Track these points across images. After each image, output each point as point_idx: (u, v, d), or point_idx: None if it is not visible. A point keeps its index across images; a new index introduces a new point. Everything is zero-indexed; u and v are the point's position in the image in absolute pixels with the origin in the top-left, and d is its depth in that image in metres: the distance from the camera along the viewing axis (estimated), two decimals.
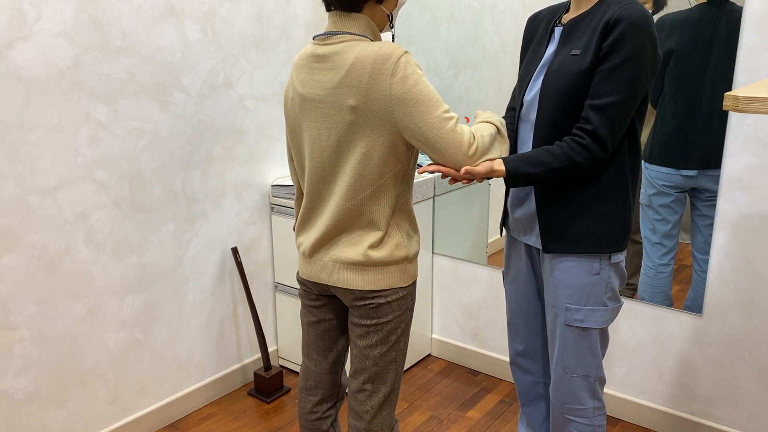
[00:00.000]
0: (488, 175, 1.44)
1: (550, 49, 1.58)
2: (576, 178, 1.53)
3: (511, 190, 1.70)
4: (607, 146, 1.45)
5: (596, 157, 1.46)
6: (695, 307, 2.20)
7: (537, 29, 1.68)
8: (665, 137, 2.13)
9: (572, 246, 1.56)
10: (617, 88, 1.43)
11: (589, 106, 1.45)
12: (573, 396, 1.65)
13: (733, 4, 1.94)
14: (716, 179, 2.08)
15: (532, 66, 1.62)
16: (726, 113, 2.03)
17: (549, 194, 1.57)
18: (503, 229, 1.80)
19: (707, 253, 2.14)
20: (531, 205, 1.63)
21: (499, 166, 1.45)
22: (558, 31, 1.58)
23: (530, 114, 1.59)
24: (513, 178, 1.46)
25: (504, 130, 1.52)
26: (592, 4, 1.52)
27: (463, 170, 1.40)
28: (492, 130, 1.47)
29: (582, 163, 1.46)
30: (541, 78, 1.56)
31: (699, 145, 2.08)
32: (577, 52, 1.48)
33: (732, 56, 1.97)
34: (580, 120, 1.48)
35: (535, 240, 1.66)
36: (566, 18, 1.59)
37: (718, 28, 1.97)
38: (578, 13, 1.54)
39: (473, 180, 1.43)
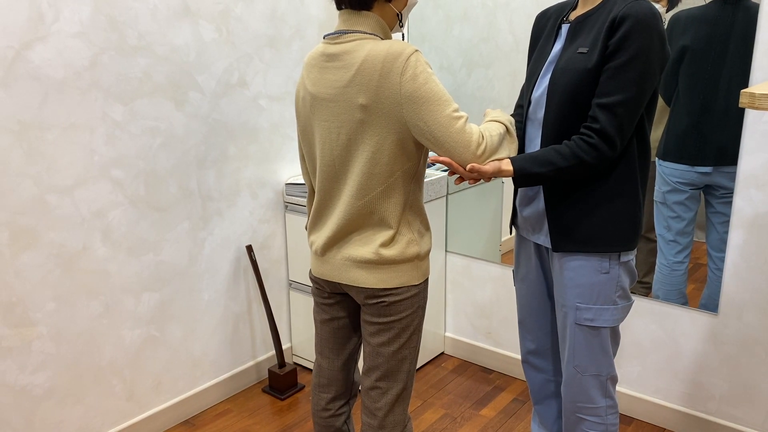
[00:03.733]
0: (496, 175, 1.44)
1: (557, 46, 1.58)
2: (585, 178, 1.52)
3: (520, 188, 1.70)
4: (615, 145, 1.44)
5: (605, 156, 1.45)
6: (710, 305, 2.18)
7: (545, 27, 1.67)
8: (680, 134, 2.12)
9: (581, 245, 1.55)
10: (624, 87, 1.41)
11: (596, 104, 1.44)
12: (585, 395, 1.65)
13: (748, 0, 1.92)
14: (731, 176, 2.06)
15: (539, 64, 1.61)
16: (742, 110, 2.01)
17: (558, 193, 1.57)
18: (512, 227, 1.79)
19: (722, 250, 2.12)
20: (540, 203, 1.63)
21: (507, 166, 1.44)
22: (565, 28, 1.57)
23: (538, 112, 1.59)
24: (521, 177, 1.46)
25: (513, 129, 1.52)
26: (600, 2, 1.51)
27: (468, 166, 1.40)
28: (501, 129, 1.47)
29: (591, 162, 1.45)
30: (549, 76, 1.56)
31: (714, 141, 2.07)
32: (583, 50, 1.47)
33: (748, 53, 1.95)
34: (587, 119, 1.48)
35: (544, 239, 1.65)
36: (573, 15, 1.58)
37: (734, 25, 1.96)
38: (585, 11, 1.53)
39: (480, 179, 1.43)
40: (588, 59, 1.45)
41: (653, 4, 1.43)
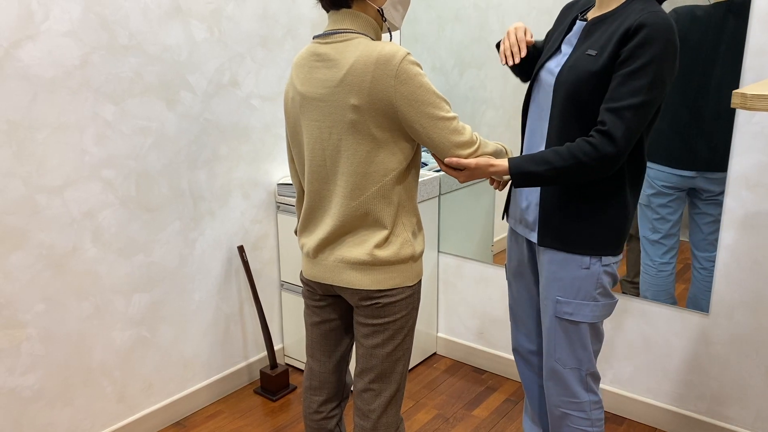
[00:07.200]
0: (485, 170, 1.43)
1: (569, 41, 1.60)
2: (585, 181, 1.50)
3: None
4: (618, 145, 1.41)
5: (605, 156, 1.42)
6: (696, 304, 2.19)
7: (566, 17, 1.67)
8: (665, 137, 2.13)
9: (565, 245, 1.58)
10: (634, 92, 1.40)
11: (604, 109, 1.43)
12: (567, 390, 1.67)
13: (736, 4, 1.93)
14: (715, 181, 2.07)
15: (551, 49, 1.63)
16: (729, 116, 2.02)
17: (552, 193, 1.58)
18: (505, 216, 1.81)
19: (707, 250, 2.14)
20: (533, 198, 1.65)
21: (502, 162, 1.45)
22: (580, 25, 1.59)
23: (543, 100, 1.61)
24: (517, 176, 1.45)
25: (510, 152, 1.56)
26: (615, 6, 1.52)
27: (446, 159, 1.41)
28: (498, 144, 1.52)
29: (586, 162, 1.42)
30: (559, 69, 1.58)
31: (700, 147, 2.08)
32: (592, 52, 1.48)
33: (739, 56, 1.96)
34: (597, 123, 1.47)
35: (530, 233, 1.67)
36: (591, 14, 1.59)
37: (724, 28, 1.96)
38: (601, 13, 1.55)
39: (464, 171, 1.42)
40: (595, 62, 1.46)
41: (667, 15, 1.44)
